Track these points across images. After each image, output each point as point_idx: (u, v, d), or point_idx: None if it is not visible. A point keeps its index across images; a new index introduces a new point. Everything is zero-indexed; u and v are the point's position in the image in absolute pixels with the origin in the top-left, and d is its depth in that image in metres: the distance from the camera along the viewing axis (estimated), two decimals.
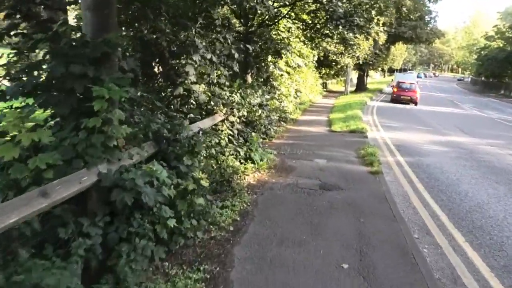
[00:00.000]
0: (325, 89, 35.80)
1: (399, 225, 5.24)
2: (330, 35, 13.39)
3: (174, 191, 4.04)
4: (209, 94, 7.19)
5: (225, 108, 7.66)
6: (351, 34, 13.37)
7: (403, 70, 59.91)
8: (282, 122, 14.25)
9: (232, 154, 7.15)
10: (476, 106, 30.18)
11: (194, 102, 7.19)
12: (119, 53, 4.01)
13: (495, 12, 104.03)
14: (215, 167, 6.29)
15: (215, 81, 7.89)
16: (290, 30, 15.86)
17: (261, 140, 9.61)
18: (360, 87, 38.40)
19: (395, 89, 27.25)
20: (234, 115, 8.01)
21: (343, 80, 49.40)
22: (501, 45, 58.36)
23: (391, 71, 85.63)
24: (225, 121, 7.70)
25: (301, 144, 10.34)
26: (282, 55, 15.33)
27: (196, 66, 7.04)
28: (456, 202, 6.48)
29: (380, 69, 59.59)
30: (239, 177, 6.65)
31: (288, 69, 17.38)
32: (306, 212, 5.44)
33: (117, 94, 3.43)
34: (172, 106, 6.81)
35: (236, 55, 8.45)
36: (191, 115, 7.01)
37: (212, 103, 7.18)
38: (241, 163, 7.17)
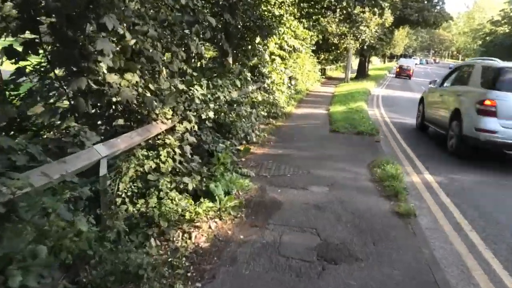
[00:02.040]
0: (323, 76, 32.80)
1: None
2: (332, 8, 10.48)
3: None
4: (141, 90, 4.36)
5: (171, 112, 4.86)
6: (358, 8, 10.58)
7: (407, 56, 60.02)
8: (271, 119, 11.47)
9: (175, 189, 4.37)
10: None
11: (114, 104, 4.41)
12: None
13: None
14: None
15: (160, 67, 5.09)
16: (283, 6, 12.95)
17: (237, 151, 6.86)
18: (362, 73, 35.43)
19: (398, 69, 39.38)
20: (189, 120, 5.20)
21: (343, 66, 46.60)
22: (508, 30, 55.45)
23: (391, 57, 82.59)
24: (172, 131, 4.90)
25: (293, 155, 7.54)
26: (273, 35, 12.50)
27: (115, 39, 4.24)
28: None
29: (380, 54, 56.85)
30: (180, 235, 3.91)
31: (281, 52, 14.47)
32: None
33: None
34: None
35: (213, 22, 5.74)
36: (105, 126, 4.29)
37: (146, 104, 4.35)
38: (190, 204, 4.39)
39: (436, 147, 9.22)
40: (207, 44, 12.53)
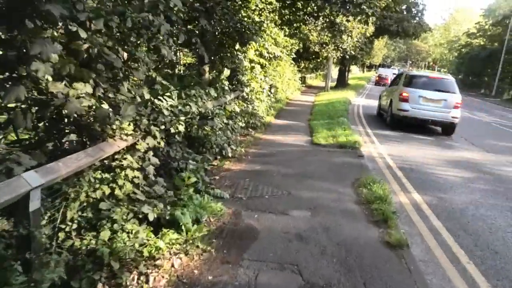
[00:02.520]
0: (303, 84, 32.50)
1: None
2: (315, 15, 10.00)
3: None
4: (94, 101, 3.69)
5: (132, 126, 4.20)
6: (340, 16, 10.15)
7: (385, 66, 62.25)
8: (250, 130, 10.88)
9: (133, 218, 3.70)
10: (462, 106, 27.82)
11: (66, 117, 3.72)
12: None
13: (477, 10, 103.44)
14: None
15: (122, 75, 4.43)
16: (263, 12, 12.44)
17: (210, 167, 6.22)
18: (341, 82, 35.33)
19: (377, 78, 42.70)
20: (154, 136, 4.54)
21: (323, 74, 46.58)
22: (482, 42, 56.79)
23: (369, 67, 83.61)
24: (133, 149, 4.23)
25: (272, 171, 6.95)
26: (253, 42, 11.94)
27: (64, 40, 3.56)
28: None
29: (360, 64, 57.29)
30: (135, 278, 3.25)
31: (261, 60, 13.94)
32: None
33: None
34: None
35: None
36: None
37: (99, 118, 3.68)
38: (150, 237, 3.72)
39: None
40: (186, 49, 11.91)
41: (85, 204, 3.61)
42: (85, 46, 3.73)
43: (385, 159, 8.91)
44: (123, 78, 4.60)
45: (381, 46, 59.36)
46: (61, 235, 3.25)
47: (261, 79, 14.11)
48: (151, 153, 4.30)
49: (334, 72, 42.93)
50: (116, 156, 4.02)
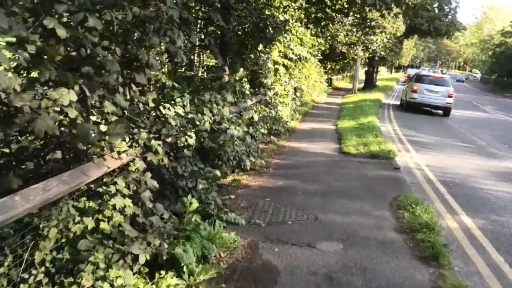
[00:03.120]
0: (329, 86, 31.35)
1: None
2: (345, 11, 9.05)
3: None
4: (75, 115, 2.96)
5: (127, 142, 3.46)
6: (372, 12, 9.19)
7: (414, 66, 62.55)
8: (273, 137, 10.05)
9: (122, 260, 2.93)
10: (498, 108, 26.52)
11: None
12: None
13: (510, 7, 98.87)
14: None
15: (116, 81, 3.68)
16: (287, 10, 11.59)
17: (225, 181, 5.44)
18: (369, 84, 33.92)
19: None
20: (156, 152, 3.78)
21: (349, 76, 45.24)
22: None
23: (397, 68, 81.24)
24: (127, 170, 3.47)
25: (296, 188, 6.08)
26: (277, 41, 11.18)
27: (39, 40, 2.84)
28: None
29: (387, 65, 55.57)
30: None
31: (286, 61, 13.05)
32: None
33: None
34: None
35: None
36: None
37: (80, 136, 2.94)
38: (143, 283, 2.96)
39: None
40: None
41: (63, 241, 2.89)
42: (62, 49, 3.01)
43: (424, 171, 7.92)
44: (123, 84, 3.88)
45: (410, 46, 57.51)
46: (25, 286, 2.52)
47: (285, 81, 13.27)
48: (148, 174, 3.53)
49: (361, 73, 41.55)
50: (105, 180, 3.28)
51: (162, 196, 4.31)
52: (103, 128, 3.18)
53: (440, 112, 18.18)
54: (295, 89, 17.24)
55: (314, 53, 18.37)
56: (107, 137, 3.16)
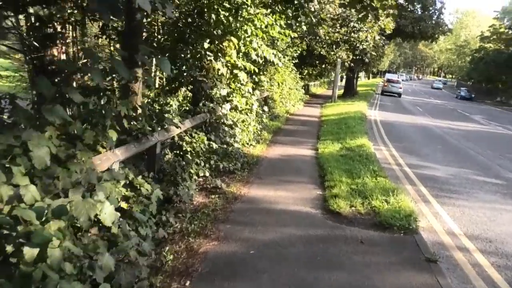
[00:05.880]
0: (307, 93, 27.92)
1: None
2: None
3: None
4: None
5: None
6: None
7: (391, 72, 64.43)
8: (219, 182, 6.46)
9: None
10: (486, 118, 24.81)
11: None
12: None
13: (486, 12, 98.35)
14: None
15: None
16: None
17: None
18: (350, 91, 30.83)
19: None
20: None
21: (327, 81, 42.28)
22: (497, 47, 52.37)
23: (374, 73, 79.26)
24: None
25: None
26: (232, 38, 7.78)
27: None
28: None
29: (370, 70, 53.07)
30: None
31: (248, 65, 9.47)
32: None
33: None
34: None
35: None
36: None
37: None
38: None
39: None
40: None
41: None
42: None
43: (473, 256, 4.54)
44: None
45: (388, 52, 55.29)
46: None
47: (248, 91, 9.76)
48: None
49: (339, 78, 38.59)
50: None
51: None
52: None
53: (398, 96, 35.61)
54: (265, 99, 13.75)
55: (289, 54, 14.95)
56: None
